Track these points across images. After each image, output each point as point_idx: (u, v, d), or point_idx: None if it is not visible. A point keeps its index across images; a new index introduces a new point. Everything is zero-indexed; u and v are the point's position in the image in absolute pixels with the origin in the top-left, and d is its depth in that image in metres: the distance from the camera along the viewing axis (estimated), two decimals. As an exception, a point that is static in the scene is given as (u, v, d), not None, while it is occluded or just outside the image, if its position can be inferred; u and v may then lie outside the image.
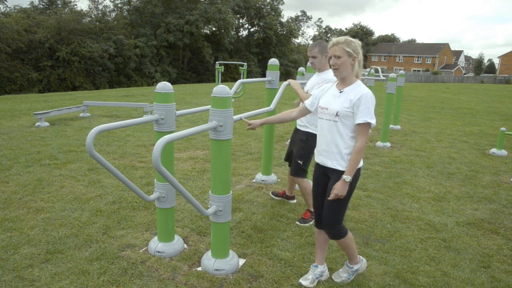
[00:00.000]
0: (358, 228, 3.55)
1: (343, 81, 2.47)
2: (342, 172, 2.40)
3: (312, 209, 3.57)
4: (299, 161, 3.58)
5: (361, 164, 2.46)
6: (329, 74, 3.40)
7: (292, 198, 4.15)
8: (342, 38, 2.40)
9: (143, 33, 35.16)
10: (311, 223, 3.60)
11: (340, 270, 2.76)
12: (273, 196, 4.20)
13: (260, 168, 5.02)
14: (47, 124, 7.46)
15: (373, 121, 2.34)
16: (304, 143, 3.54)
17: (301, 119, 3.56)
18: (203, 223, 3.53)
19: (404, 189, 4.68)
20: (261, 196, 4.25)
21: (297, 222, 3.62)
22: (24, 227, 3.29)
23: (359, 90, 2.39)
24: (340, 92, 2.45)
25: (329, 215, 2.49)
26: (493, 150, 6.77)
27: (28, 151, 5.60)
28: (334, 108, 2.42)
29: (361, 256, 2.78)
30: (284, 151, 6.02)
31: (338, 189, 2.36)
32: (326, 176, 2.54)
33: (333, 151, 2.44)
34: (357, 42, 2.41)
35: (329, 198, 2.41)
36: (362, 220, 3.73)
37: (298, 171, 3.62)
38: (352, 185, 2.43)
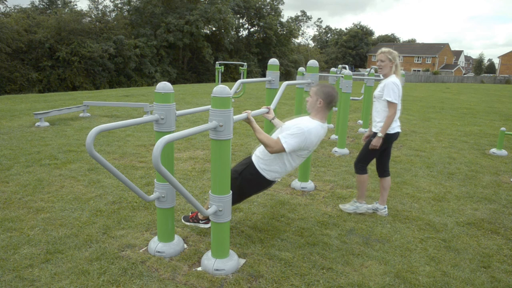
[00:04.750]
0: (358, 228, 3.55)
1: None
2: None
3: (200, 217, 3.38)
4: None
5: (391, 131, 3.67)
6: None
7: (206, 222, 3.40)
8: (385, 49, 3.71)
9: (143, 33, 35.17)
10: (191, 224, 3.40)
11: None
12: (184, 221, 3.47)
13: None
14: (47, 124, 7.46)
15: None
16: (245, 170, 3.09)
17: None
18: (203, 223, 3.52)
19: (404, 189, 4.68)
20: (261, 196, 4.25)
21: (183, 220, 3.47)
22: (24, 227, 3.29)
23: None
24: None
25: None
26: (493, 150, 6.77)
27: (28, 151, 5.60)
28: None
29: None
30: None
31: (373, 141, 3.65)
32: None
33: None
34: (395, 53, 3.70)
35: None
36: (362, 220, 3.73)
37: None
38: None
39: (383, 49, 3.72)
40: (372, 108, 3.87)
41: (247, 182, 3.08)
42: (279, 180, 3.20)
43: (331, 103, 3.09)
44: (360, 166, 3.87)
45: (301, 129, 2.92)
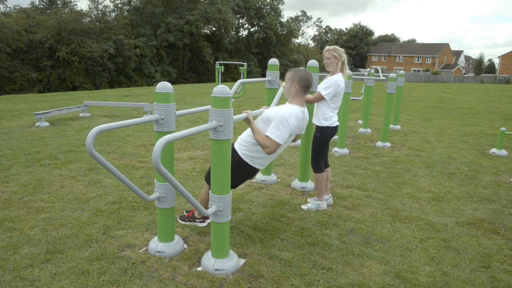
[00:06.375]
0: (358, 228, 3.55)
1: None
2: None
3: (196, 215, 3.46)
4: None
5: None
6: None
7: (202, 220, 3.47)
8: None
9: (143, 33, 35.17)
10: (188, 223, 3.45)
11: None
12: (180, 221, 3.51)
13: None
14: (47, 124, 7.46)
15: None
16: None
17: (246, 138, 3.15)
18: (203, 223, 3.52)
19: (404, 189, 4.68)
20: (261, 196, 4.25)
21: (179, 219, 3.50)
22: (24, 227, 3.29)
23: None
24: None
25: None
26: (493, 150, 6.77)
27: (28, 151, 5.60)
28: None
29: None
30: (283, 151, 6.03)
31: None
32: None
33: None
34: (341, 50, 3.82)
35: None
36: (362, 220, 3.73)
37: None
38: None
39: (328, 47, 3.83)
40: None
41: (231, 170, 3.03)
42: (262, 168, 3.23)
43: (306, 87, 3.11)
44: (316, 165, 3.92)
45: (282, 117, 2.94)
